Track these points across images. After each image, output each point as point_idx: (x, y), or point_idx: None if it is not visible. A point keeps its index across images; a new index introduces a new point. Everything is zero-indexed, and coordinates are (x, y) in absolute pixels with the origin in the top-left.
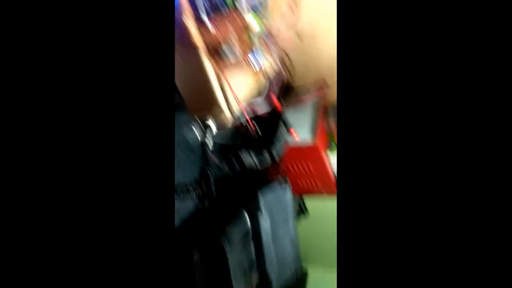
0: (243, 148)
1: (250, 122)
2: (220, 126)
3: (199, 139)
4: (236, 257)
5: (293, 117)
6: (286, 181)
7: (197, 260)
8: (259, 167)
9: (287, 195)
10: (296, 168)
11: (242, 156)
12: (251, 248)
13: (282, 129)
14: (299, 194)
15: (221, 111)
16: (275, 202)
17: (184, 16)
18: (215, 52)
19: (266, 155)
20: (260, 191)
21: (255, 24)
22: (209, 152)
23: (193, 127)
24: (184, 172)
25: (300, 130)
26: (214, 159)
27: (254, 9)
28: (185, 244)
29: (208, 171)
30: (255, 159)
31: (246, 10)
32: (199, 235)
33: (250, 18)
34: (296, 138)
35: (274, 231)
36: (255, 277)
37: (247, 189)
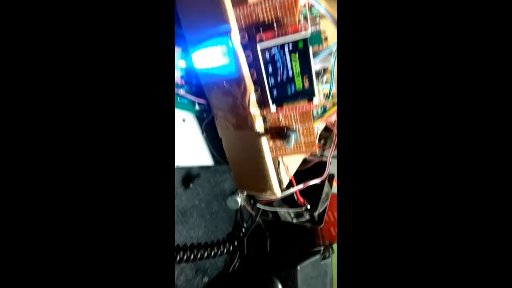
0: (282, 206)
1: (301, 199)
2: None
3: (239, 205)
4: None
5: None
6: (329, 252)
7: None
8: (295, 221)
9: (328, 270)
10: (331, 217)
11: (279, 213)
12: None
13: (327, 189)
14: (329, 242)
15: (273, 194)
16: (314, 277)
17: (246, 101)
18: (277, 136)
19: (306, 216)
20: (299, 263)
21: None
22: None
23: (237, 198)
24: (217, 225)
25: None
26: (248, 209)
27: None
28: None
29: (242, 227)
30: (293, 217)
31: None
32: None
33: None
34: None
35: None
36: None
37: (284, 256)
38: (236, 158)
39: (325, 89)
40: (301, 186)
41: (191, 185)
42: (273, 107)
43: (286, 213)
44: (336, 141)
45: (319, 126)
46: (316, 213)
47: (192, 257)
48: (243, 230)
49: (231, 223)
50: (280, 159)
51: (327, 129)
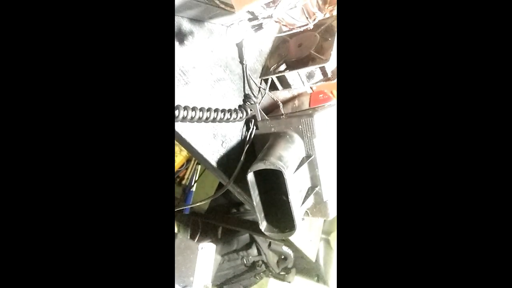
0: (290, 66)
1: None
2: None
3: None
4: (293, 181)
5: None
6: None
7: (252, 181)
8: (307, 84)
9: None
10: None
11: (287, 76)
12: (307, 173)
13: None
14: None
15: None
16: (330, 125)
17: None
18: None
19: (318, 73)
20: (315, 113)
21: None
22: (247, 71)
23: (236, 25)
24: (225, 93)
25: None
26: (251, 79)
27: None
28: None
29: (251, 94)
30: (303, 80)
31: None
32: (250, 158)
33: None
34: None
35: (330, 156)
36: (311, 202)
37: (299, 112)
38: None
39: None
40: None
41: (185, 42)
42: None
43: (297, 76)
44: None
45: None
46: (328, 66)
47: (204, 116)
48: (254, 98)
49: (240, 94)
50: None
51: None
